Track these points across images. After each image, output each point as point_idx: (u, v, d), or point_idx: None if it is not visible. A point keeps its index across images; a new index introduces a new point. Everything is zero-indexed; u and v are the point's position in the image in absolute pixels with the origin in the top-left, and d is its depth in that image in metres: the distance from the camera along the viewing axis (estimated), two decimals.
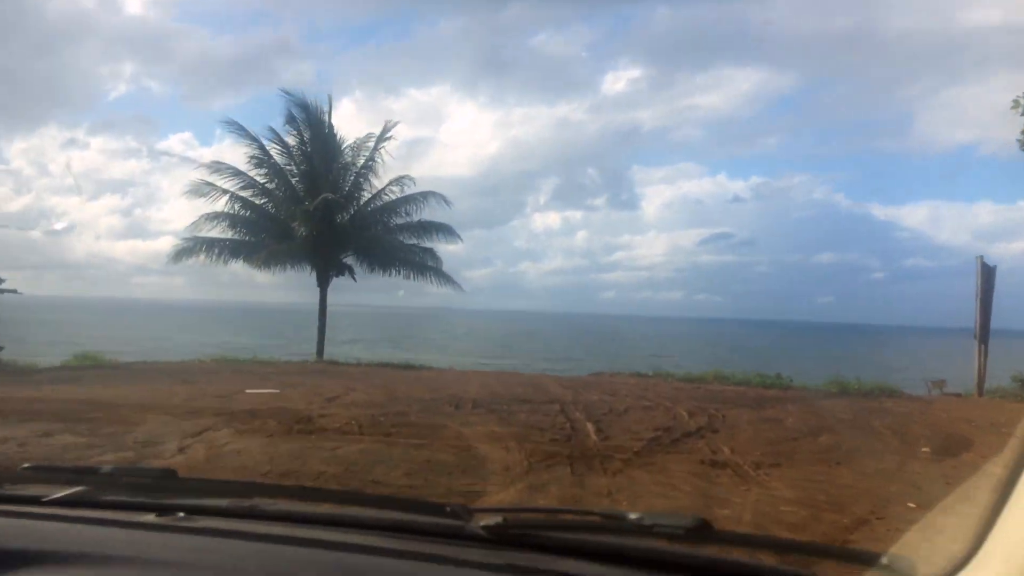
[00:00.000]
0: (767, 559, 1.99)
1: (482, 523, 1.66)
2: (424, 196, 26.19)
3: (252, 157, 25.01)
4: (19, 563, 1.45)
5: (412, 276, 26.37)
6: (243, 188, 25.15)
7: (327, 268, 25.76)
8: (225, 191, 24.67)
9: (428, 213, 26.56)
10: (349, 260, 26.30)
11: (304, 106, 25.27)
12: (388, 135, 26.01)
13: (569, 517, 2.08)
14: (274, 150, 25.42)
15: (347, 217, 26.13)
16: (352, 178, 26.06)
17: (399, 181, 26.52)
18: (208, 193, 24.44)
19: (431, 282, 26.47)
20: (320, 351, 25.32)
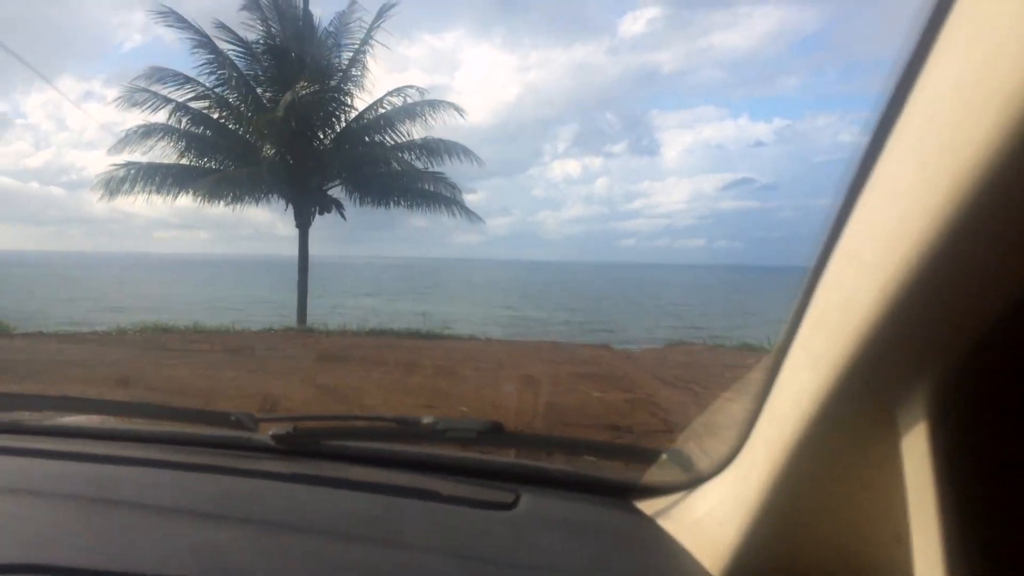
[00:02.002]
0: (557, 460, 1.83)
1: (271, 432, 1.58)
2: (432, 106, 19.31)
3: (203, 58, 18.15)
4: None
5: (417, 207, 19.69)
6: (193, 99, 18.44)
7: (306, 202, 19.12)
8: (168, 100, 17.93)
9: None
10: (336, 192, 19.75)
11: None
12: (381, 21, 19.00)
13: (362, 424, 1.95)
14: (230, 51, 18.56)
15: (331, 135, 19.46)
16: (336, 81, 19.21)
17: (400, 92, 19.73)
18: (146, 102, 17.70)
19: (443, 211, 19.75)
20: (301, 314, 18.91)
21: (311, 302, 19.95)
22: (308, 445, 1.62)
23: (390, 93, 19.77)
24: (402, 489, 1.47)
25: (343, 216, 19.67)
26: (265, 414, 2.05)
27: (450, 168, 19.90)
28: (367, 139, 19.68)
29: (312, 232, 19.42)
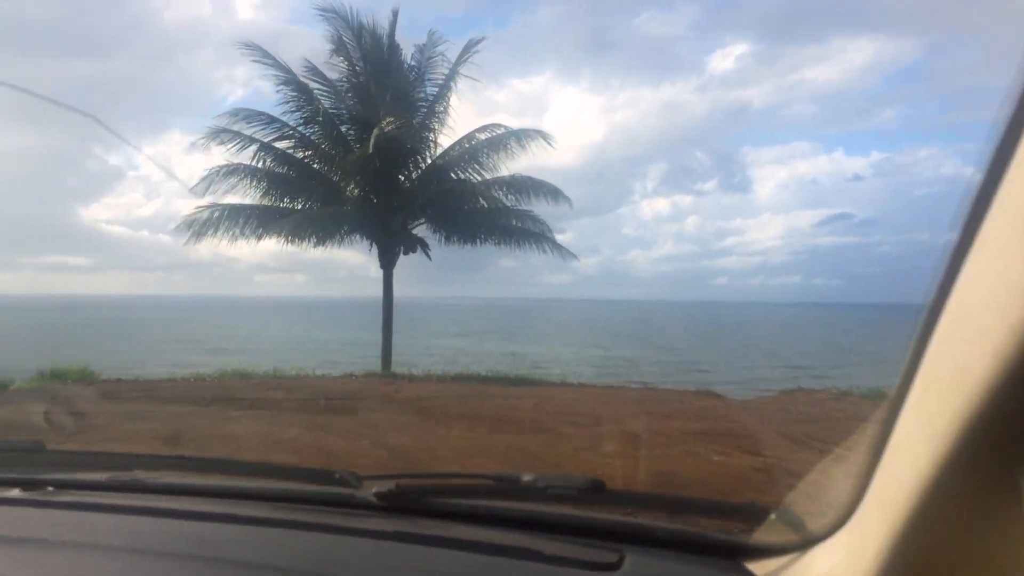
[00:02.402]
0: (661, 519, 1.68)
1: (373, 490, 1.60)
2: (519, 137, 18.30)
3: (287, 96, 17.67)
4: None
5: (505, 244, 18.61)
6: (277, 139, 17.95)
7: (391, 241, 18.31)
8: (253, 140, 17.47)
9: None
10: (422, 232, 18.89)
11: (357, 27, 17.83)
12: (468, 56, 18.23)
13: (462, 482, 1.89)
14: (316, 89, 18.05)
15: (416, 172, 18.68)
16: (421, 117, 18.47)
17: (488, 129, 18.90)
18: (231, 142, 17.28)
19: (532, 249, 18.60)
20: (386, 359, 18.00)
21: (400, 342, 19.15)
22: (410, 503, 1.59)
23: (477, 130, 19.00)
24: (504, 548, 1.44)
25: (428, 255, 18.80)
26: (368, 473, 1.81)
27: (538, 208, 18.92)
28: (453, 175, 18.83)
29: (401, 273, 18.69)
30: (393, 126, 16.18)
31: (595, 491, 1.55)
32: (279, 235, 17.02)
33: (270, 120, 17.85)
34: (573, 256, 19.21)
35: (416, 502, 1.61)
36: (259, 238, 17.60)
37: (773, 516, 1.49)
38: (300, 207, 17.85)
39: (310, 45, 17.35)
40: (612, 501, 1.70)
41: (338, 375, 15.69)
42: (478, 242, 18.68)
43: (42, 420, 9.09)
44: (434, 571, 1.36)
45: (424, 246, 18.76)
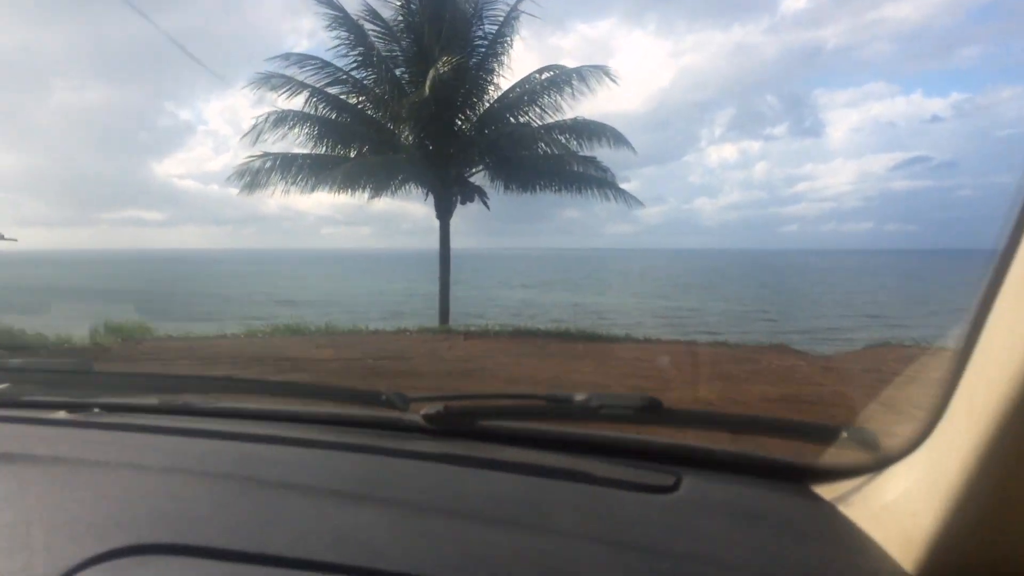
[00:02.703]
0: (721, 439, 1.57)
1: (422, 412, 1.56)
2: (581, 76, 17.11)
3: (340, 40, 16.80)
4: None
5: (567, 191, 17.57)
6: (329, 84, 17.16)
7: (447, 190, 17.47)
8: (304, 85, 16.70)
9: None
10: (478, 179, 18.00)
11: None
12: None
13: (513, 403, 1.81)
14: (370, 30, 17.14)
15: (473, 116, 17.71)
16: (480, 58, 17.43)
17: (549, 70, 17.75)
18: (281, 88, 16.54)
19: (595, 196, 17.52)
20: (443, 312, 17.32)
21: (462, 294, 18.54)
22: (459, 425, 1.56)
23: (538, 71, 17.88)
24: (554, 471, 1.40)
25: (486, 204, 17.93)
26: (416, 394, 1.66)
27: (601, 155, 17.81)
28: (511, 119, 17.80)
29: (462, 223, 18.02)
30: (449, 67, 15.23)
31: (651, 411, 1.49)
32: (331, 185, 16.33)
33: (322, 64, 17.07)
34: (638, 203, 18.09)
35: (464, 424, 1.57)
36: (311, 188, 16.96)
37: (844, 435, 1.40)
38: (353, 155, 17.10)
39: None
40: (669, 421, 1.58)
41: (392, 330, 15.07)
42: (538, 189, 17.70)
43: None
44: (483, 494, 1.32)
45: (482, 195, 17.91)
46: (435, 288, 18.04)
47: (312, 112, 16.80)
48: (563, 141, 17.41)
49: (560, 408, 1.60)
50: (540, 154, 17.64)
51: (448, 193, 17.50)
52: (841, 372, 9.64)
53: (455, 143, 17.29)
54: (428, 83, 14.81)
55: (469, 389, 8.42)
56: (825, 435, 1.43)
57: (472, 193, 17.78)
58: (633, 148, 17.56)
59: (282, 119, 16.40)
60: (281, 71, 16.70)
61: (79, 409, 1.70)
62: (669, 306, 43.42)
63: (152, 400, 1.83)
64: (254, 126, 16.37)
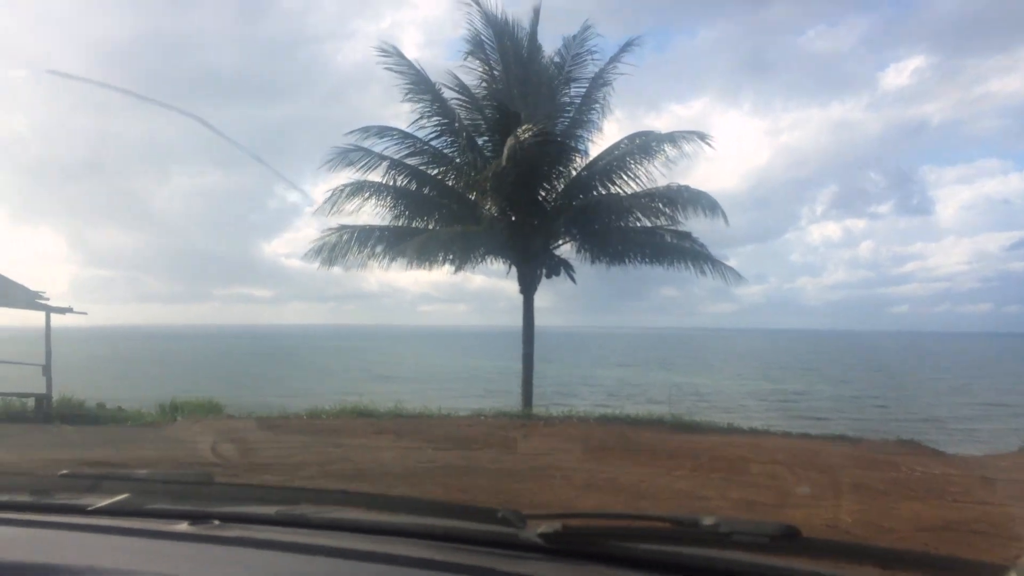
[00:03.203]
0: (870, 573, 1.48)
1: (539, 531, 1.46)
2: (673, 141, 15.78)
3: (418, 100, 16.00)
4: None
5: (659, 262, 16.09)
6: (409, 155, 16.37)
7: (531, 263, 16.24)
8: (383, 157, 15.95)
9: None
10: (563, 250, 16.75)
11: (499, 25, 15.94)
12: (622, 53, 16.04)
13: (635, 524, 1.73)
14: (452, 99, 16.38)
15: (558, 188, 16.56)
16: (566, 126, 16.38)
17: (641, 137, 16.54)
18: (359, 161, 15.81)
19: (690, 269, 15.96)
20: (526, 395, 15.88)
21: (554, 373, 17.10)
22: (577, 545, 1.46)
23: (628, 138, 16.69)
24: None
25: (572, 279, 16.58)
26: (532, 511, 1.57)
27: (697, 228, 16.35)
28: (599, 190, 16.55)
29: (560, 301, 16.90)
30: (532, 134, 14.17)
31: (788, 539, 1.36)
32: (409, 257, 15.35)
33: (402, 136, 16.34)
34: (737, 276, 16.30)
35: (584, 545, 1.45)
36: (390, 261, 16.02)
37: (1012, 573, 1.28)
38: (432, 227, 16.15)
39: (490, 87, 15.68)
40: (809, 551, 1.41)
41: (466, 415, 13.71)
42: (627, 262, 16.28)
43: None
44: None
45: (568, 268, 16.58)
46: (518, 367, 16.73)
47: (390, 183, 15.99)
48: (656, 209, 15.98)
49: (687, 532, 1.47)
50: (630, 226, 16.31)
51: (532, 267, 16.27)
52: (1004, 484, 7.66)
53: (539, 214, 16.15)
54: (507, 151, 13.78)
55: (538, 492, 6.97)
56: (988, 573, 1.32)
57: (557, 266, 16.49)
58: (726, 218, 15.93)
59: (358, 189, 15.62)
60: (359, 144, 16.05)
61: (200, 520, 1.64)
62: (774, 389, 40.91)
63: (269, 511, 1.76)
64: (329, 198, 15.64)
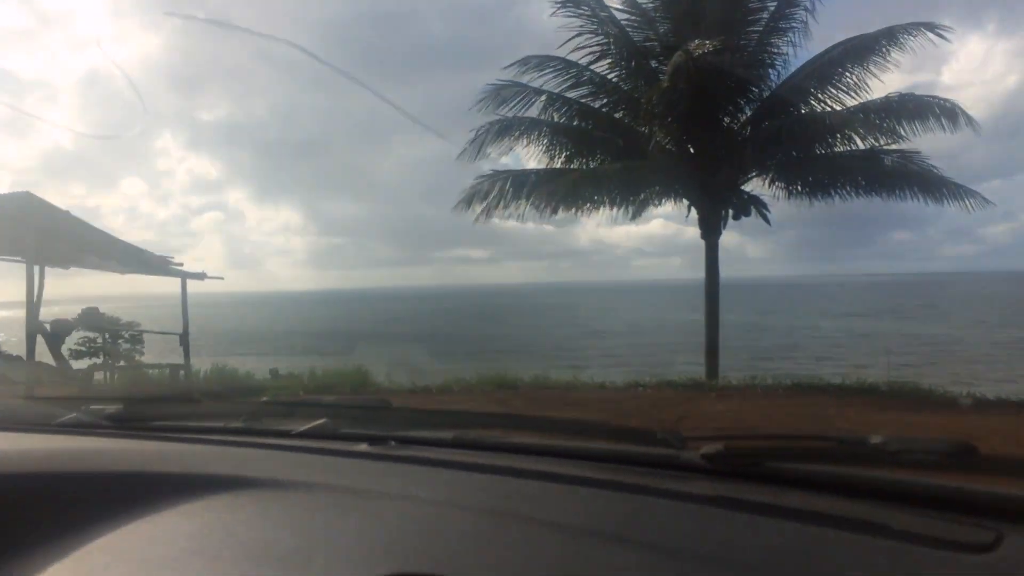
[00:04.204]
0: None
1: (701, 451, 1.41)
2: (892, 38, 12.43)
3: (582, 21, 13.67)
4: (264, 488, 1.48)
5: (872, 192, 12.92)
6: (570, 87, 14.22)
7: (713, 202, 13.63)
8: (538, 91, 13.91)
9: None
10: (752, 185, 13.96)
11: None
12: None
13: (799, 444, 1.58)
14: (623, 18, 13.95)
15: (748, 111, 13.76)
16: (759, 35, 13.50)
17: (853, 42, 13.32)
18: (514, 98, 13.87)
19: (916, 198, 12.58)
20: (710, 359, 13.42)
21: (771, 325, 14.52)
22: (740, 466, 1.39)
23: (837, 45, 13.48)
24: (846, 520, 1.15)
25: (765, 218, 13.77)
26: (692, 432, 1.56)
27: (930, 147, 12.93)
28: (799, 109, 13.54)
29: (779, 249, 14.36)
30: (707, 49, 11.56)
31: (964, 456, 1.28)
32: (559, 199, 13.30)
33: (564, 66, 14.21)
34: (983, 199, 12.61)
35: (747, 465, 1.38)
36: (554, 208, 14.01)
37: None
38: (595, 164, 13.93)
39: None
40: (987, 470, 1.31)
41: (621, 386, 11.48)
42: (834, 193, 13.24)
43: None
44: (767, 541, 1.15)
45: (760, 206, 13.80)
46: (738, 319, 14.32)
47: (548, 120, 13.94)
48: (872, 125, 12.71)
49: (854, 451, 1.42)
50: (837, 151, 13.21)
51: (715, 206, 13.65)
52: None
53: (723, 143, 13.46)
54: (671, 70, 11.32)
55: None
56: None
57: (747, 205, 13.74)
58: (974, 124, 12.38)
59: (506, 129, 13.65)
60: (517, 78, 14.06)
61: (378, 442, 1.73)
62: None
63: (440, 434, 1.81)
64: (473, 140, 13.79)
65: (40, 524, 1.34)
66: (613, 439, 1.81)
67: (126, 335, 16.40)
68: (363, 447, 1.70)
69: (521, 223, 14.67)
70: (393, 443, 1.73)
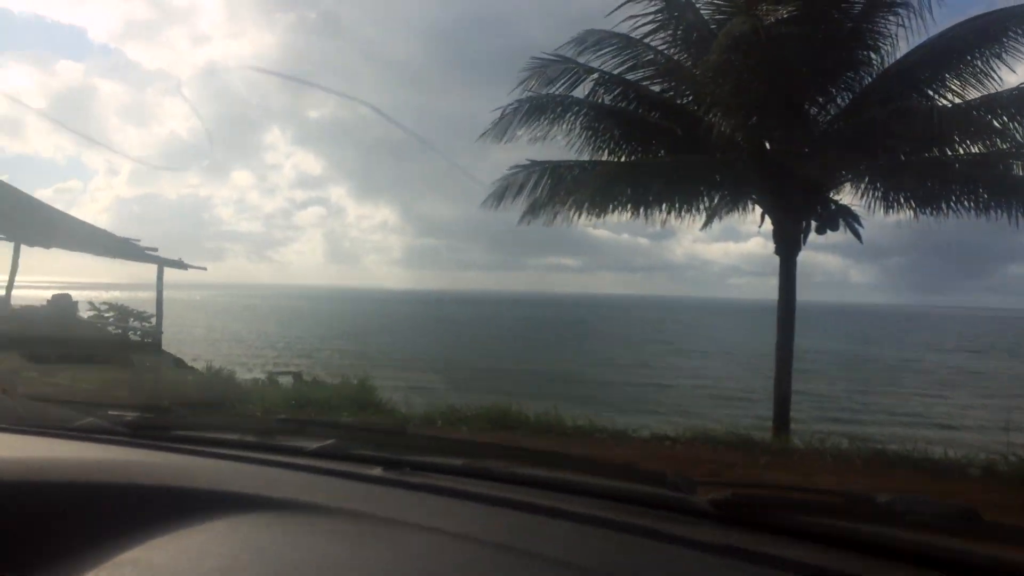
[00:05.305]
0: None
1: (709, 497, 1.42)
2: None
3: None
4: (286, 509, 1.47)
5: (993, 206, 10.02)
6: (628, 68, 11.90)
7: (793, 210, 11.03)
8: (588, 69, 11.65)
9: None
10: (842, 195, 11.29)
11: None
12: None
13: (808, 496, 1.66)
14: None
15: (841, 101, 11.14)
16: (860, 8, 10.85)
17: (979, 21, 10.59)
18: (560, 79, 11.63)
19: None
20: (779, 407, 10.84)
21: (865, 356, 11.82)
22: (747, 515, 1.37)
23: (959, 24, 10.76)
24: None
25: (857, 234, 11.09)
26: (702, 478, 1.55)
27: None
28: (906, 100, 10.81)
29: (879, 275, 11.44)
30: (783, 15, 9.10)
31: (967, 520, 1.27)
32: (588, 199, 10.97)
33: (624, 43, 11.91)
34: None
35: (754, 514, 1.37)
36: (597, 212, 11.67)
37: None
38: (646, 159, 11.51)
39: None
40: (990, 535, 1.29)
41: (656, 436, 9.06)
42: (945, 207, 10.45)
43: None
44: None
45: (851, 219, 11.11)
46: (841, 347, 11.79)
47: (595, 101, 11.62)
48: (992, 127, 9.97)
49: (860, 509, 1.43)
50: (948, 154, 10.44)
51: (795, 215, 11.05)
52: None
53: (807, 139, 10.86)
54: (721, 39, 8.83)
55: None
56: None
57: (835, 217, 11.06)
58: None
59: (538, 108, 11.34)
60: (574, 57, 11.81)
61: (393, 466, 1.71)
62: None
63: (456, 462, 1.79)
64: (499, 120, 11.53)
65: (67, 536, 1.31)
66: (624, 479, 1.71)
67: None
68: (378, 471, 1.71)
69: (568, 224, 12.35)
70: (408, 469, 1.72)
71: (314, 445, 1.87)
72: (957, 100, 10.49)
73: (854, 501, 1.46)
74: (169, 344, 19.78)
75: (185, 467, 1.70)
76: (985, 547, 1.24)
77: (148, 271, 15.74)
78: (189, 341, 44.56)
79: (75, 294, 16.12)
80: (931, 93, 10.67)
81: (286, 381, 15.02)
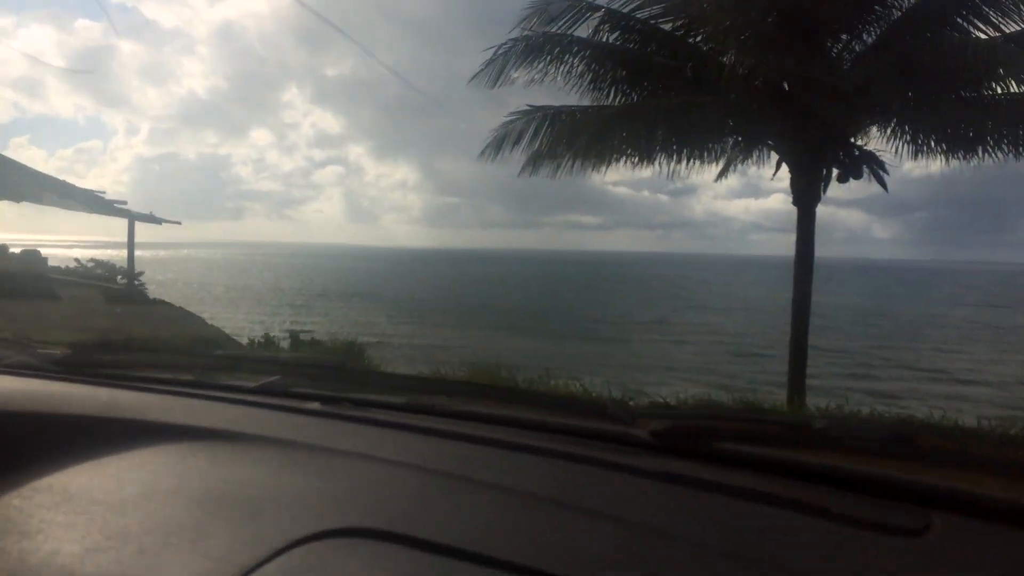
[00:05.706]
0: (987, 484, 1.24)
1: (649, 428, 1.44)
2: None
3: None
4: (213, 439, 1.45)
5: None
6: (637, 7, 10.96)
7: (812, 155, 10.17)
8: (593, 6, 10.74)
9: None
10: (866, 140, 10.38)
11: None
12: None
13: (746, 426, 1.57)
14: None
15: (866, 37, 10.21)
16: None
17: None
18: (562, 16, 10.74)
19: None
20: (795, 379, 10.12)
21: (892, 313, 11.10)
22: (688, 444, 1.40)
23: None
24: (787, 501, 1.20)
25: (882, 183, 10.21)
26: (642, 408, 1.68)
27: None
28: (938, 34, 9.86)
29: (904, 231, 10.67)
30: None
31: (902, 443, 1.31)
32: (586, 147, 10.15)
33: None
34: None
35: (694, 444, 1.40)
36: (599, 159, 10.86)
37: None
38: (653, 101, 10.62)
39: None
40: (922, 457, 1.33)
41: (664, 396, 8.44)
42: (981, 152, 9.56)
43: None
44: (707, 518, 1.18)
45: (876, 166, 10.23)
46: (864, 304, 11.01)
47: (597, 40, 10.72)
48: None
49: (797, 435, 1.45)
50: (985, 94, 9.51)
51: (813, 162, 10.19)
52: None
53: (827, 79, 9.94)
54: None
55: None
56: None
57: (858, 163, 10.18)
58: None
59: (534, 48, 10.44)
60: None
61: (331, 402, 1.70)
62: None
63: (396, 398, 1.79)
64: (491, 60, 10.63)
65: None
66: (565, 410, 1.77)
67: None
68: (316, 406, 1.69)
69: (570, 175, 11.54)
70: (347, 404, 1.71)
71: (256, 382, 1.83)
72: (995, 33, 9.52)
73: (792, 428, 1.51)
74: (177, 301, 19.42)
75: (112, 399, 1.66)
76: (918, 469, 1.25)
77: (160, 232, 15.46)
78: (209, 301, 44.40)
79: (81, 252, 15.90)
80: (966, 26, 9.69)
81: (286, 340, 14.69)
